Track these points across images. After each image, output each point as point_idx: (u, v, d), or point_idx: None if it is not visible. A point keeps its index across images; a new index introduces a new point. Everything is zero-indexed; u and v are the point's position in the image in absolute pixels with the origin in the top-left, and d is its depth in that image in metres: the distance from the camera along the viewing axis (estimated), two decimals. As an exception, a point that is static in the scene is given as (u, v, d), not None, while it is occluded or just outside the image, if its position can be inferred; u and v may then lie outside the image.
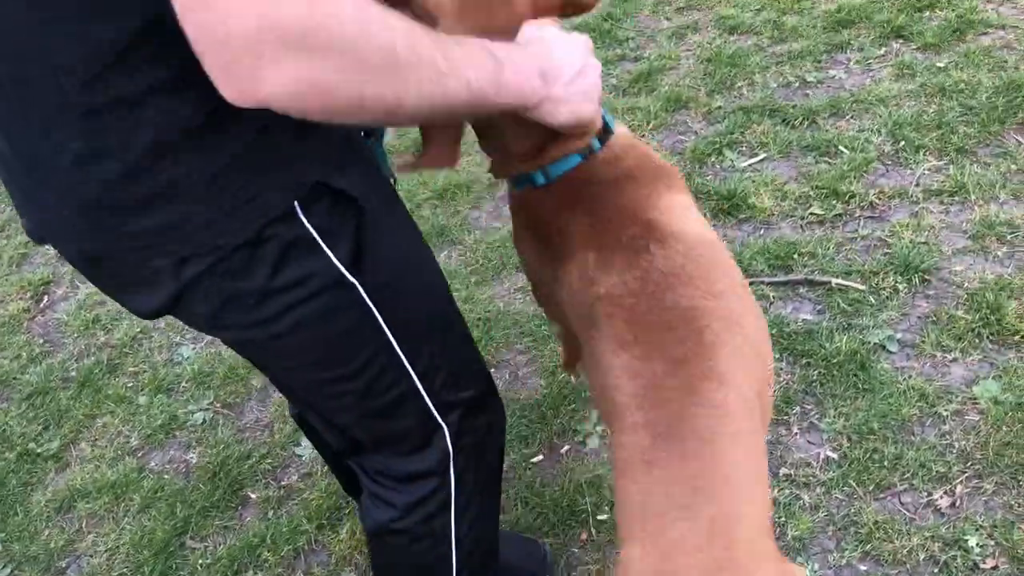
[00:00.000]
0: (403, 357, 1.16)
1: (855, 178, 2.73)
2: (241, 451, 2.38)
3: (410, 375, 1.19)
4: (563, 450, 2.19)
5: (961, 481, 1.90)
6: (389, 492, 1.34)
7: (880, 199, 2.65)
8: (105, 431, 2.56)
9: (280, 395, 2.50)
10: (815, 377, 2.17)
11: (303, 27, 0.74)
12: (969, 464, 1.92)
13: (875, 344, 2.22)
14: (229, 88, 0.76)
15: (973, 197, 2.56)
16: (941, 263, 2.39)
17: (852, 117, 3.00)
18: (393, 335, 1.14)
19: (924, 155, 2.75)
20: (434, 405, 1.25)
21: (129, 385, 2.71)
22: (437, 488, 1.33)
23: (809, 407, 2.12)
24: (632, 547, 0.97)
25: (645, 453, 0.99)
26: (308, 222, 1.00)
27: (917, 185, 2.66)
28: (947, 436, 1.99)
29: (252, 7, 0.72)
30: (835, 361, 2.18)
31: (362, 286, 1.07)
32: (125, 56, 0.84)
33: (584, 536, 1.98)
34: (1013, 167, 2.63)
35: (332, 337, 1.10)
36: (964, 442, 1.97)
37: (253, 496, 2.27)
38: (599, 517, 2.00)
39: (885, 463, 1.95)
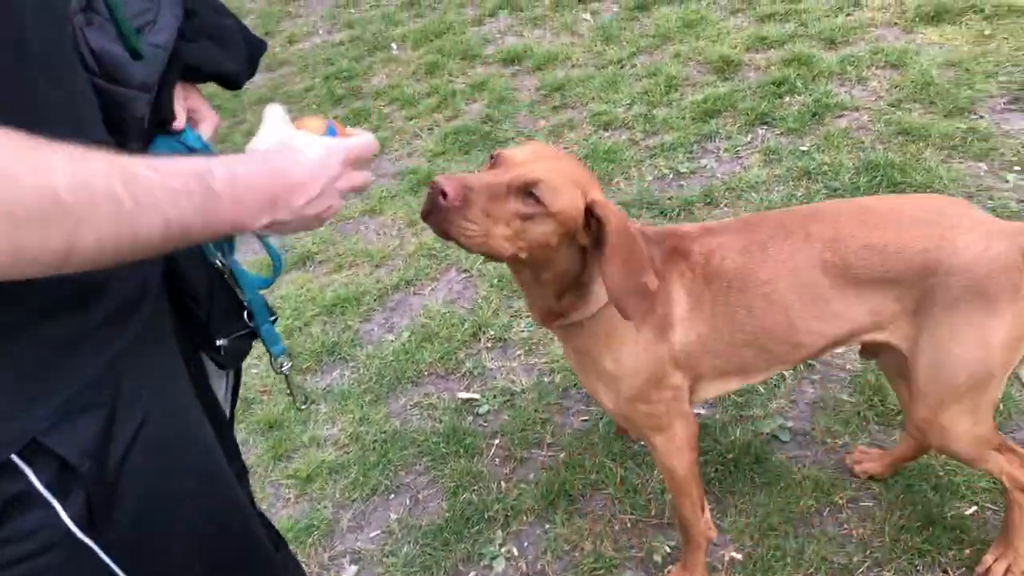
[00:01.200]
0: None
1: (735, 266, 2.80)
2: None
3: None
4: (470, 575, 2.12)
5: (862, 571, 1.91)
6: None
7: (760, 286, 2.71)
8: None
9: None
10: (713, 475, 2.18)
11: None
12: (869, 553, 1.94)
13: (768, 434, 2.24)
14: None
15: (846, 278, 2.65)
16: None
17: (726, 205, 3.10)
18: None
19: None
20: None
21: None
22: None
23: (711, 506, 2.12)
24: None
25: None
26: (35, 476, 0.87)
27: (793, 269, 2.74)
28: (845, 525, 2.01)
29: None
30: (731, 456, 2.20)
31: (98, 545, 0.94)
32: None
33: (496, 671, 1.91)
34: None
35: None
36: (861, 530, 1.99)
37: None
38: (510, 648, 1.94)
39: (788, 559, 1.95)
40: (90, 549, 0.93)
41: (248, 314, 1.29)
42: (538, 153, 1.43)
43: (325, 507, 2.36)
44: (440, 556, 2.16)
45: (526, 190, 1.34)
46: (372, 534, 2.28)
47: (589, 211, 1.39)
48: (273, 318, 1.35)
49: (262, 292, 1.31)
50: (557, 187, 1.35)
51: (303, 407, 1.47)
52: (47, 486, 0.88)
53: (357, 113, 4.44)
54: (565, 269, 1.47)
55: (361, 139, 1.09)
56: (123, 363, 0.94)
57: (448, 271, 3.15)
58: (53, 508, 0.89)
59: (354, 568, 2.20)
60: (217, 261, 1.25)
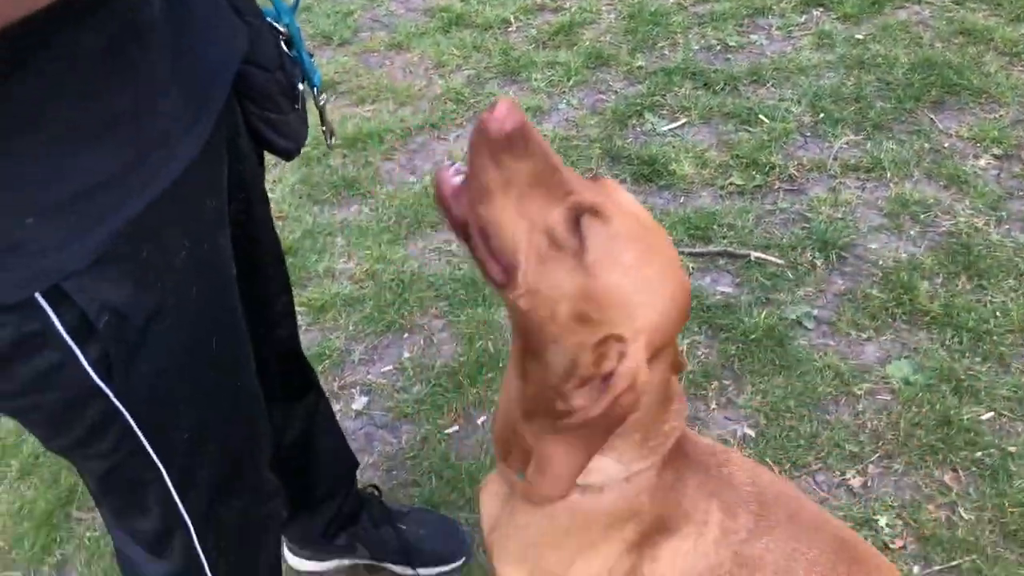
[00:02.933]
0: (155, 459, 0.99)
1: (775, 149, 2.72)
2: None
3: (160, 474, 1.02)
4: (479, 420, 2.12)
5: (873, 461, 1.93)
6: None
7: (799, 172, 2.65)
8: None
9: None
10: (734, 352, 2.17)
11: None
12: (880, 444, 1.96)
13: (792, 320, 2.22)
14: None
15: (888, 174, 2.59)
16: (857, 240, 2.41)
17: (773, 85, 2.98)
18: (147, 438, 0.97)
19: (842, 129, 2.77)
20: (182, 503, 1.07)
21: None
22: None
23: (727, 383, 2.12)
24: None
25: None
26: (56, 319, 0.82)
27: (835, 159, 2.67)
28: (860, 416, 2.02)
29: None
30: (753, 337, 2.18)
31: (111, 391, 0.91)
32: None
33: (501, 512, 1.93)
34: (927, 146, 2.67)
35: (74, 423, 0.94)
36: (876, 422, 2.00)
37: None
38: (516, 493, 1.95)
39: (801, 442, 1.97)
40: (104, 394, 0.90)
41: (287, 43, 1.15)
42: (649, 226, 0.96)
43: (337, 338, 2.34)
44: (451, 397, 2.16)
45: (584, 213, 0.89)
46: (384, 369, 2.26)
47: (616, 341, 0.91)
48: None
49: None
50: (621, 258, 0.90)
51: (331, 145, 1.36)
52: (68, 330, 0.83)
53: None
54: (552, 373, 0.97)
55: None
56: (164, 210, 0.86)
57: (475, 117, 3.03)
58: (72, 351, 0.85)
59: (364, 399, 2.20)
60: None
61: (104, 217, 0.80)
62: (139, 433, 0.95)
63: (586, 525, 1.11)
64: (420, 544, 1.82)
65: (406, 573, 1.83)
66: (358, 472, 1.83)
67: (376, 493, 1.85)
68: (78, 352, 0.85)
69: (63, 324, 0.82)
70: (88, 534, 1.98)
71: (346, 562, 1.85)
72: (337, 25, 3.58)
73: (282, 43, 1.14)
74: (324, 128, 1.32)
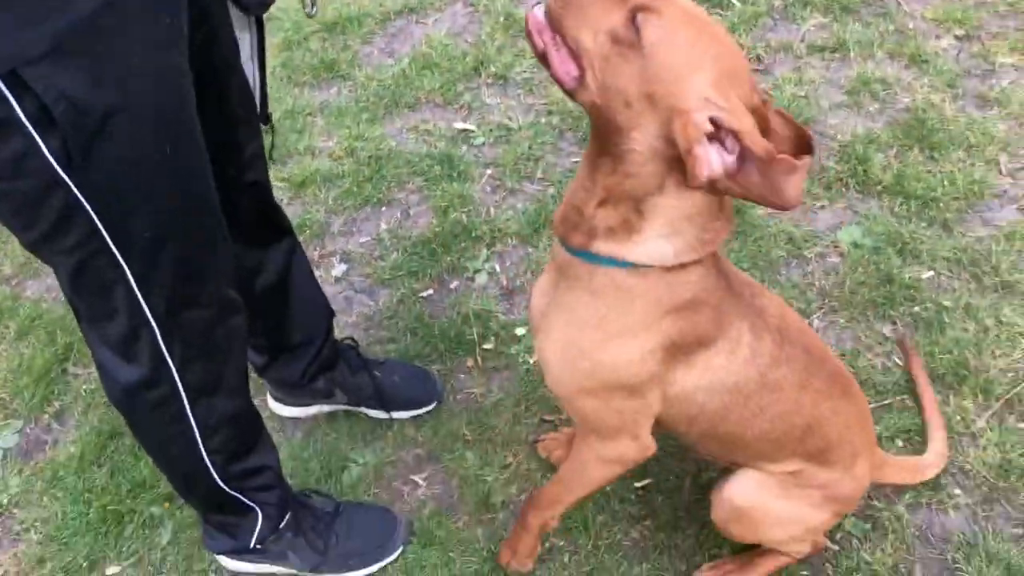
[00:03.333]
0: (118, 256, 1.11)
1: (745, 31, 2.79)
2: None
3: (124, 273, 1.13)
4: (452, 285, 2.24)
5: (818, 316, 2.07)
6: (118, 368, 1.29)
7: (766, 52, 2.72)
8: (-26, 261, 2.46)
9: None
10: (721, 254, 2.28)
11: None
12: (827, 301, 2.09)
13: (751, 191, 2.33)
14: None
15: (852, 54, 2.66)
16: (819, 116, 2.50)
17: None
18: (109, 235, 1.08)
19: (811, 12, 2.83)
20: (146, 304, 1.18)
21: None
22: (153, 382, 1.29)
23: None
24: None
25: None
26: (17, 106, 0.92)
27: (802, 41, 2.74)
28: (809, 276, 2.15)
29: None
30: (713, 206, 2.29)
31: (72, 182, 1.01)
32: None
33: (470, 363, 2.07)
34: (891, 27, 2.73)
35: (41, 214, 1.04)
36: (824, 281, 2.13)
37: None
38: (485, 346, 2.09)
39: (752, 299, 2.09)
40: (66, 184, 1.01)
41: None
42: (700, 14, 1.07)
43: (317, 211, 2.44)
44: (426, 264, 2.28)
45: (635, 12, 1.02)
46: (362, 239, 2.38)
47: (711, 121, 1.01)
48: None
49: None
50: (675, 38, 1.02)
51: (312, 14, 1.44)
52: (29, 118, 0.93)
53: None
54: (633, 163, 1.09)
55: None
56: (117, 14, 0.95)
57: (454, 3, 3.08)
58: (34, 139, 0.95)
59: (343, 267, 2.31)
60: None
61: (57, 9, 0.90)
62: (101, 228, 1.06)
63: (629, 305, 1.21)
64: (394, 390, 1.96)
65: (381, 416, 1.98)
66: (337, 329, 1.96)
67: (353, 344, 1.98)
68: (39, 140, 0.95)
69: (24, 112, 0.92)
70: (84, 387, 2.12)
71: (326, 408, 1.99)
72: (316, -87, 3.57)
73: None
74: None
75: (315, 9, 1.48)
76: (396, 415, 1.97)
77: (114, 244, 1.09)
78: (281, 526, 1.68)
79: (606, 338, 1.25)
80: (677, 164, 1.06)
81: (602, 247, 1.18)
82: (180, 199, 1.15)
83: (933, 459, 1.74)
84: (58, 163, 0.98)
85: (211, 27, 1.23)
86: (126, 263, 1.11)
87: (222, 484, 1.49)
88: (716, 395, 1.29)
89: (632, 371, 1.26)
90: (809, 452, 1.41)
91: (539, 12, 1.08)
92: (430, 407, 1.98)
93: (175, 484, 1.56)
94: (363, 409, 1.98)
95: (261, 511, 1.62)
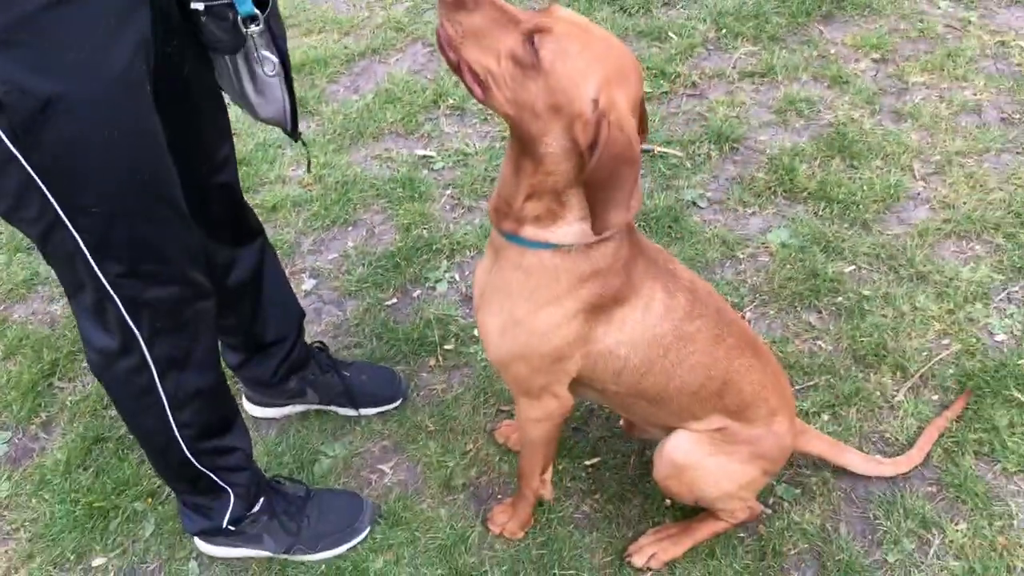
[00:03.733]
0: (71, 230, 1.25)
1: (681, 60, 3.02)
2: (105, 302, 2.48)
3: (79, 244, 1.27)
4: (415, 294, 2.41)
5: (750, 308, 2.25)
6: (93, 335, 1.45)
7: (701, 79, 2.95)
8: (-39, 289, 2.59)
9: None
10: (638, 228, 2.47)
11: None
12: (757, 295, 2.28)
13: (687, 201, 2.54)
14: None
15: (780, 77, 2.90)
16: (749, 133, 2.72)
17: (682, 7, 3.28)
18: (62, 209, 1.22)
19: (741, 41, 3.07)
20: (104, 276, 1.32)
21: (-16, 247, 2.73)
22: (124, 352, 1.43)
23: (631, 253, 2.42)
24: None
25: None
26: None
27: (734, 67, 2.98)
28: (742, 274, 2.34)
29: None
30: (653, 215, 2.49)
31: (23, 158, 1.16)
32: None
33: (432, 362, 2.23)
34: (815, 53, 2.98)
35: (5, 187, 1.20)
36: (755, 278, 2.32)
37: (119, 342, 2.39)
38: (446, 347, 2.25)
39: (690, 296, 2.28)
40: (18, 160, 1.16)
41: None
42: (589, 26, 1.22)
43: (288, 232, 2.61)
44: (391, 276, 2.45)
45: (532, 35, 1.17)
46: (330, 256, 2.55)
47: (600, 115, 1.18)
48: None
49: None
50: (568, 53, 1.17)
51: (271, 75, 1.54)
52: None
53: None
54: (550, 163, 1.26)
55: None
56: (56, 14, 1.10)
57: (414, 44, 3.31)
58: None
59: (313, 281, 2.48)
60: None
61: (4, 5, 1.06)
62: (53, 202, 1.22)
63: (554, 279, 1.39)
64: (362, 388, 2.11)
65: (350, 414, 2.12)
66: (308, 337, 2.11)
67: (323, 348, 2.14)
68: None
69: None
70: (70, 399, 2.25)
71: (298, 408, 2.14)
72: (284, -34, 3.82)
73: None
74: (255, 56, 1.45)
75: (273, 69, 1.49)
76: (364, 412, 2.12)
77: (67, 218, 1.24)
78: (256, 509, 1.81)
79: (536, 308, 1.43)
80: (579, 154, 1.24)
81: (530, 232, 1.36)
82: (128, 181, 1.26)
83: (904, 460, 1.89)
84: (10, 141, 1.14)
85: (180, 42, 1.39)
86: (79, 237, 1.27)
87: (192, 458, 1.63)
88: (638, 349, 1.47)
89: (560, 334, 1.44)
90: (729, 408, 1.58)
91: (448, 28, 1.22)
92: (396, 403, 2.13)
93: (151, 459, 1.70)
94: (333, 407, 2.13)
95: (233, 491, 1.75)
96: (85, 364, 2.30)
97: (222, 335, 1.90)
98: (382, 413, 2.13)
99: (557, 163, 1.27)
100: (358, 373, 2.12)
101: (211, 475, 1.69)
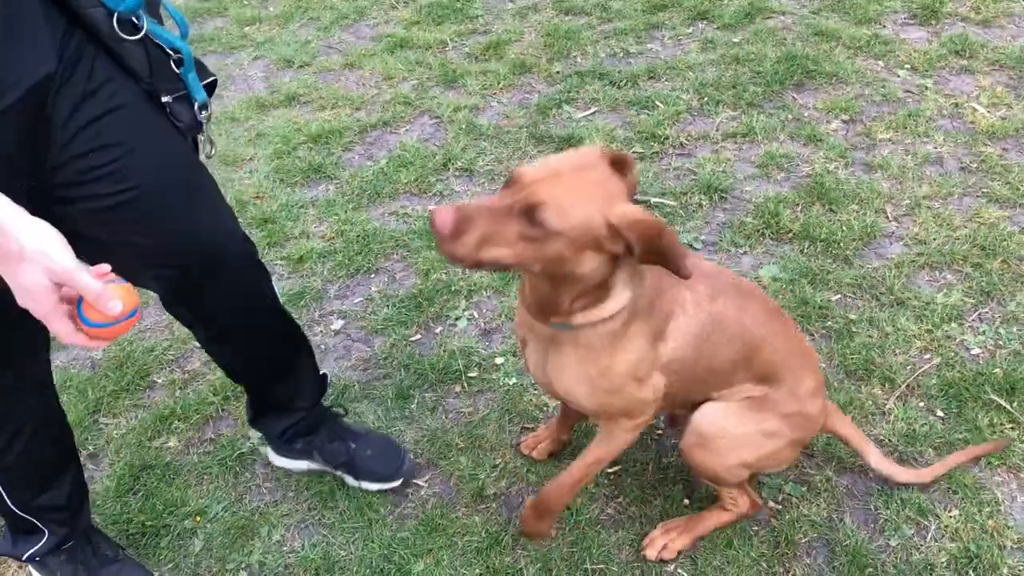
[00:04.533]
0: None
1: (669, 125, 3.31)
2: (144, 346, 2.64)
3: None
4: (437, 330, 2.60)
5: (748, 333, 2.46)
6: None
7: (688, 140, 3.24)
8: (4, 339, 2.73)
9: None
10: (640, 268, 2.69)
11: None
12: (754, 322, 2.49)
13: (685, 243, 2.77)
14: None
15: (760, 137, 3.19)
16: (735, 185, 2.99)
17: (666, 79, 3.60)
18: None
19: (722, 108, 3.38)
20: None
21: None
22: None
23: (635, 290, 2.64)
24: None
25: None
26: None
27: (717, 130, 3.27)
28: (739, 304, 2.55)
29: None
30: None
31: None
32: None
33: (458, 388, 2.40)
34: (790, 116, 3.29)
35: None
36: (751, 307, 2.53)
37: (159, 380, 2.54)
38: (469, 375, 2.43)
39: (693, 324, 2.49)
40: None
41: (176, 63, 1.45)
42: (554, 169, 1.36)
43: (315, 281, 2.80)
44: (414, 315, 2.64)
45: (530, 212, 1.31)
46: (356, 300, 2.74)
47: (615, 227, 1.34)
48: (211, 79, 1.53)
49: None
50: (565, 208, 1.31)
51: (210, 156, 1.73)
52: None
53: (337, -14, 4.79)
54: (590, 275, 1.42)
55: (91, 287, 1.11)
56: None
57: (421, 116, 3.59)
58: None
59: (341, 322, 2.66)
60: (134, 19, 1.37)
61: None
62: None
63: (619, 334, 1.57)
64: (365, 463, 2.13)
65: (351, 483, 2.16)
66: (339, 371, 2.26)
67: (342, 413, 2.21)
68: None
69: None
70: (115, 432, 2.39)
71: (311, 466, 2.18)
72: (297, 52, 4.13)
73: (172, 63, 1.45)
74: (202, 138, 1.58)
75: (213, 151, 1.63)
76: (365, 485, 2.14)
77: None
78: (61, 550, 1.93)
79: (611, 360, 1.60)
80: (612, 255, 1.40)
81: (580, 319, 1.52)
82: None
83: (915, 473, 2.02)
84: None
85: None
86: None
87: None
88: (689, 344, 1.67)
89: (639, 367, 1.63)
90: (757, 374, 1.77)
91: (443, 229, 1.32)
92: (395, 484, 2.14)
93: None
94: (338, 472, 2.16)
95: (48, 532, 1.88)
96: (128, 401, 2.46)
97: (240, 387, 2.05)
98: (382, 490, 2.15)
99: (595, 271, 1.41)
100: (365, 447, 2.14)
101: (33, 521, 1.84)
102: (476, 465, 2.19)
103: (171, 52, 1.45)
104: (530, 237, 1.31)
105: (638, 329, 1.58)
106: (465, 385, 2.41)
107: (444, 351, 2.50)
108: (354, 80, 3.90)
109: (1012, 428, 2.13)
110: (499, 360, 2.46)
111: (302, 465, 2.20)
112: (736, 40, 3.78)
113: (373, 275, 2.83)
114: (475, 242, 1.31)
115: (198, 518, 2.14)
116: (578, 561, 1.96)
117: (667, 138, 3.24)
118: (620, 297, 1.50)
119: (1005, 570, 1.86)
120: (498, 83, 3.72)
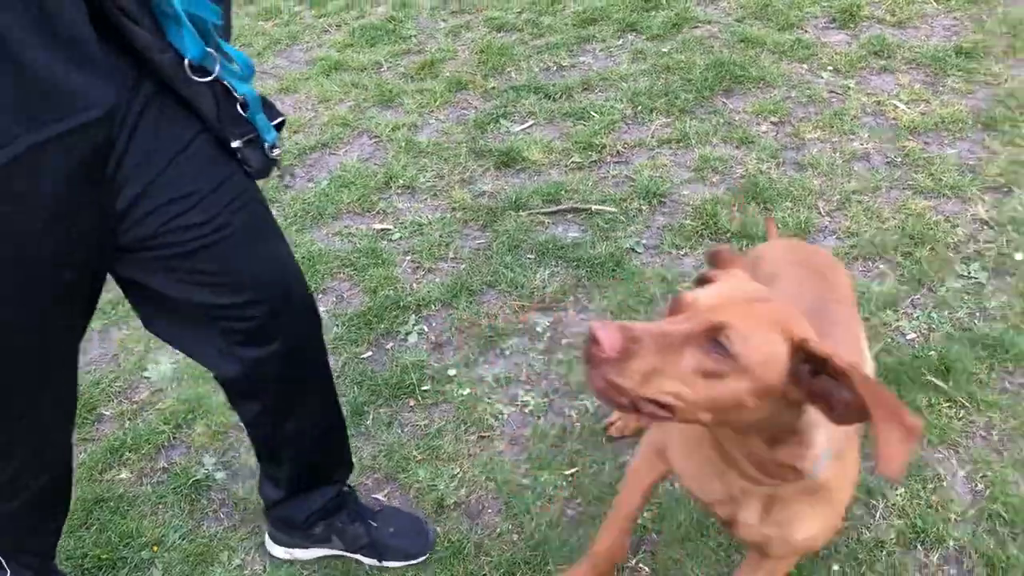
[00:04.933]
0: None
1: (605, 134, 3.38)
2: (91, 379, 2.59)
3: None
4: (388, 346, 2.61)
5: (694, 331, 2.51)
6: None
7: (625, 148, 3.31)
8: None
9: (122, 331, 2.74)
10: (584, 274, 2.75)
11: None
12: (699, 320, 2.55)
13: (627, 248, 2.83)
14: None
15: (693, 142, 3.28)
16: (673, 189, 3.06)
17: (600, 91, 3.67)
18: None
19: (656, 115, 3.46)
20: None
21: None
22: None
23: (581, 296, 2.69)
24: None
25: None
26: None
27: (652, 137, 3.35)
28: (683, 303, 2.61)
29: None
30: (598, 262, 2.77)
31: None
32: None
33: (412, 402, 2.41)
34: (721, 120, 3.38)
35: None
36: (695, 306, 2.60)
37: (108, 412, 2.50)
38: (423, 388, 2.44)
39: (640, 325, 2.54)
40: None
41: (242, 105, 1.39)
42: (728, 296, 1.13)
43: (262, 304, 2.79)
44: (364, 333, 2.64)
45: (711, 338, 1.05)
46: (304, 321, 2.72)
47: (806, 357, 1.07)
48: (280, 119, 1.49)
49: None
50: (749, 334, 1.05)
51: (289, 185, 1.71)
52: None
53: (267, 11, 4.78)
54: (774, 422, 1.15)
55: None
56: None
57: (360, 137, 3.60)
58: None
59: (291, 344, 2.64)
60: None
61: None
62: None
63: (840, 455, 1.30)
64: (388, 540, 2.02)
65: (373, 564, 2.03)
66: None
67: (351, 492, 2.08)
68: None
69: None
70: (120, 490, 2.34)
71: (322, 553, 2.05)
72: (230, 78, 4.10)
73: (237, 106, 1.39)
74: (277, 172, 1.58)
75: (290, 179, 1.69)
76: (389, 564, 2.03)
77: None
78: None
79: (845, 492, 1.40)
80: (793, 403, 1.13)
81: (799, 463, 1.23)
82: None
83: None
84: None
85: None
86: None
87: None
88: None
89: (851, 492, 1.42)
90: None
91: (596, 370, 1.06)
92: (421, 559, 2.03)
93: None
94: (358, 556, 2.04)
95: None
96: (75, 435, 2.42)
97: (274, 466, 1.92)
98: (407, 567, 2.03)
99: (778, 416, 1.14)
100: (386, 524, 2.04)
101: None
102: (435, 476, 2.20)
103: (237, 97, 1.39)
104: (708, 372, 1.05)
105: (852, 437, 1.36)
106: (419, 399, 2.42)
107: (396, 366, 2.51)
108: (290, 104, 3.90)
109: (949, 406, 2.22)
110: (451, 372, 2.48)
111: (314, 553, 2.06)
112: (665, 50, 3.88)
113: (320, 295, 2.82)
114: (643, 372, 1.04)
115: (155, 548, 2.11)
116: (541, 563, 1.98)
117: (604, 147, 3.31)
118: (823, 450, 1.24)
119: (951, 542, 1.94)
120: (435, 101, 3.75)
